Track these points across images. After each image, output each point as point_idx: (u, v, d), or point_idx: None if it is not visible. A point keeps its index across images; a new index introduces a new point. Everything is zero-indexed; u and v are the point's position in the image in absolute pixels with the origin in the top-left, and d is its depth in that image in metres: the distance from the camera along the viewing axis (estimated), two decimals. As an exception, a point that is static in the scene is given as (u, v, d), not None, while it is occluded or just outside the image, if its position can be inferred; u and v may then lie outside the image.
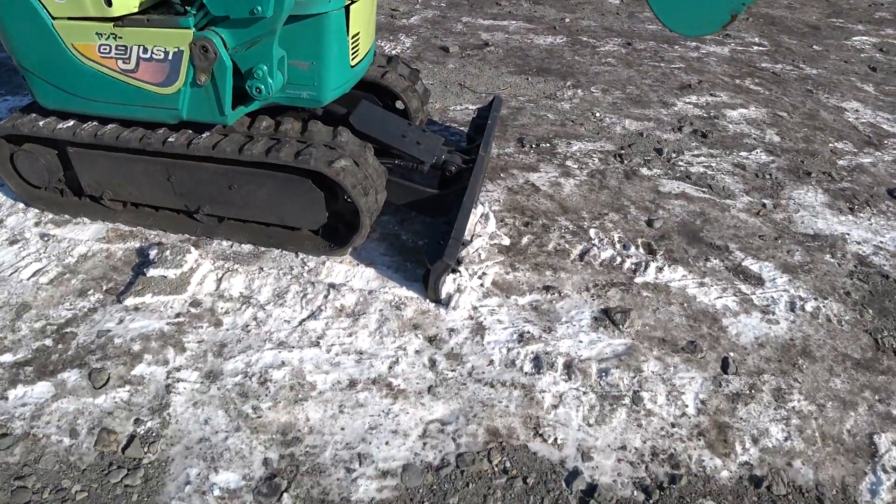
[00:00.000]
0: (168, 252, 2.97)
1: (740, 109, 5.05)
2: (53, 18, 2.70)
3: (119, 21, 2.66)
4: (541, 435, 2.36)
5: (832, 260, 3.44)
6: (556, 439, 2.35)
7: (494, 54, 6.03)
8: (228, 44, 2.63)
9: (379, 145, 3.14)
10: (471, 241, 3.10)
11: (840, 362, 2.80)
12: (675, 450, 2.34)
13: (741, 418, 2.48)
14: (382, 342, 2.68)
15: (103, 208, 3.26)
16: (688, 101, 5.13)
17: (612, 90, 5.23)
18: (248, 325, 2.73)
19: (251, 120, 2.98)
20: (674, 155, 4.25)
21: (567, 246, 3.32)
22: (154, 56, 2.68)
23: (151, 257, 3.00)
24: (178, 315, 2.77)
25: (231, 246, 3.17)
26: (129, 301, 2.81)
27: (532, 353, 2.68)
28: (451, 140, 4.17)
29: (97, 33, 2.69)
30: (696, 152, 4.34)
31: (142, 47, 2.68)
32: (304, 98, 2.89)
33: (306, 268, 3.06)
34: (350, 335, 2.70)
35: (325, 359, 2.59)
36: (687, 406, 2.50)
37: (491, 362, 2.64)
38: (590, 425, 2.40)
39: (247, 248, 3.17)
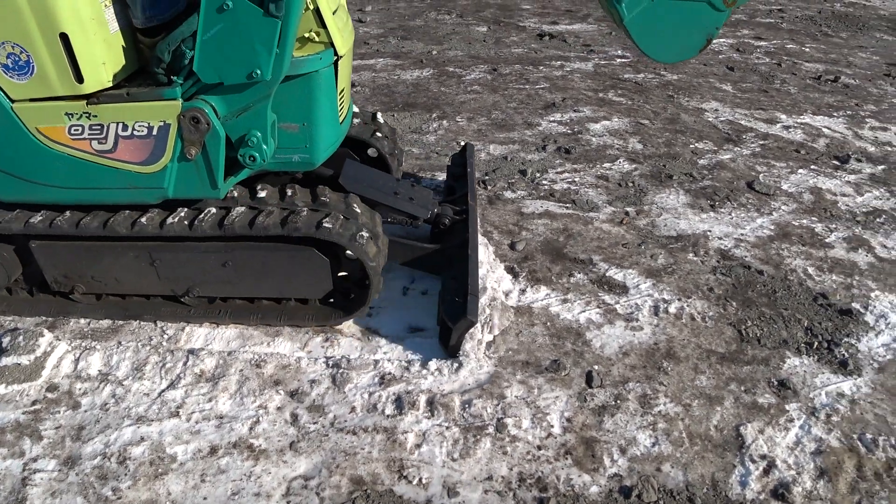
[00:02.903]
0: (21, 338, 2.85)
1: (603, 122, 5.28)
2: (13, 101, 2.47)
3: (93, 98, 2.46)
4: (405, 477, 2.36)
5: (695, 258, 3.60)
6: (420, 479, 2.35)
7: (361, 94, 6.12)
8: (220, 112, 2.51)
9: (372, 204, 3.10)
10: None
11: (705, 359, 2.92)
12: (542, 472, 2.38)
13: (608, 430, 2.55)
14: (243, 403, 2.67)
15: (69, 303, 3.07)
16: (552, 119, 5.33)
17: (478, 117, 5.38)
18: (106, 404, 2.67)
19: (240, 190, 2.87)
20: (538, 175, 4.40)
21: (431, 280, 3.36)
22: (136, 133, 2.51)
23: (4, 345, 2.87)
24: (34, 402, 2.67)
25: (89, 323, 3.09)
26: (-20, 396, 2.68)
27: (394, 394, 2.70)
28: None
29: (67, 113, 2.48)
30: (559, 169, 4.50)
31: (121, 124, 2.50)
32: (295, 161, 2.79)
33: (165, 336, 3.01)
34: (210, 400, 2.67)
35: (185, 428, 2.55)
36: (552, 426, 2.55)
37: (353, 409, 2.64)
38: (454, 460, 2.42)
39: (105, 323, 3.08)
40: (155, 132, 2.50)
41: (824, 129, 5.56)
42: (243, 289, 2.96)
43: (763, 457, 2.49)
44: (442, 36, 7.73)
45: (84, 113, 2.49)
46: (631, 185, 4.32)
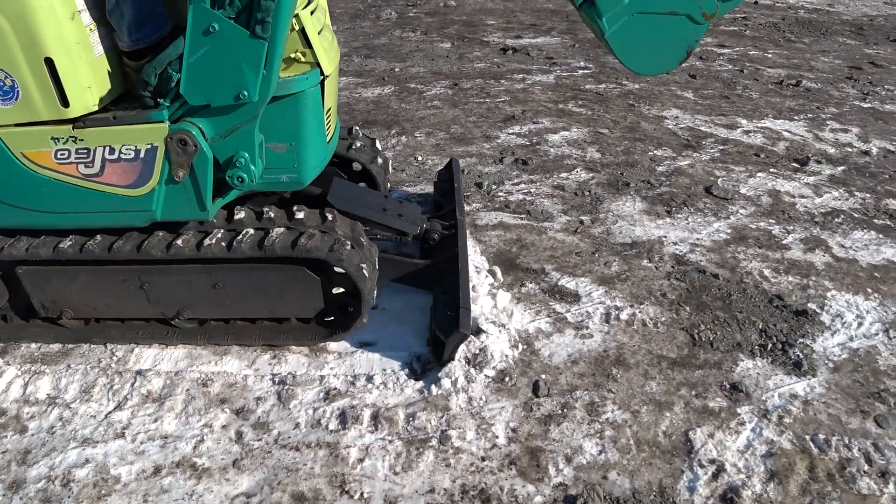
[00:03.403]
0: None
1: (562, 132, 5.29)
2: None
3: (79, 122, 2.44)
4: (347, 492, 2.33)
5: (649, 265, 3.59)
6: (362, 494, 2.32)
7: (321, 114, 6.10)
8: (208, 134, 2.50)
9: (362, 221, 3.10)
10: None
11: (655, 364, 2.90)
12: (485, 483, 2.34)
13: (554, 439, 2.52)
14: (188, 422, 2.65)
15: (57, 329, 3.04)
16: (511, 132, 5.34)
17: (437, 132, 5.38)
18: (53, 427, 2.64)
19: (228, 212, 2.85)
20: (494, 187, 4.39)
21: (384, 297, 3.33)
22: (123, 156, 2.49)
23: (-46, 373, 2.84)
24: None
25: (39, 347, 3.06)
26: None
27: (338, 409, 2.67)
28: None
29: (53, 138, 2.46)
30: (516, 181, 4.50)
31: (108, 148, 2.47)
32: (283, 182, 2.78)
33: (115, 358, 2.98)
34: (156, 420, 2.66)
35: (130, 449, 2.54)
36: (497, 437, 2.52)
37: (297, 425, 2.62)
38: (396, 473, 2.40)
39: (55, 346, 3.05)
40: (142, 155, 2.49)
41: (784, 133, 5.60)
42: (235, 310, 2.94)
43: (712, 461, 2.47)
44: (405, 53, 7.75)
45: (70, 137, 2.47)
46: (587, 193, 4.32)
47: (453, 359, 2.80)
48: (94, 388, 2.81)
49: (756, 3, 10.91)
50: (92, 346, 3.05)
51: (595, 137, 5.21)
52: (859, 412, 2.75)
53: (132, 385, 2.81)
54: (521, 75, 6.80)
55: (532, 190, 4.36)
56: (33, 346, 3.07)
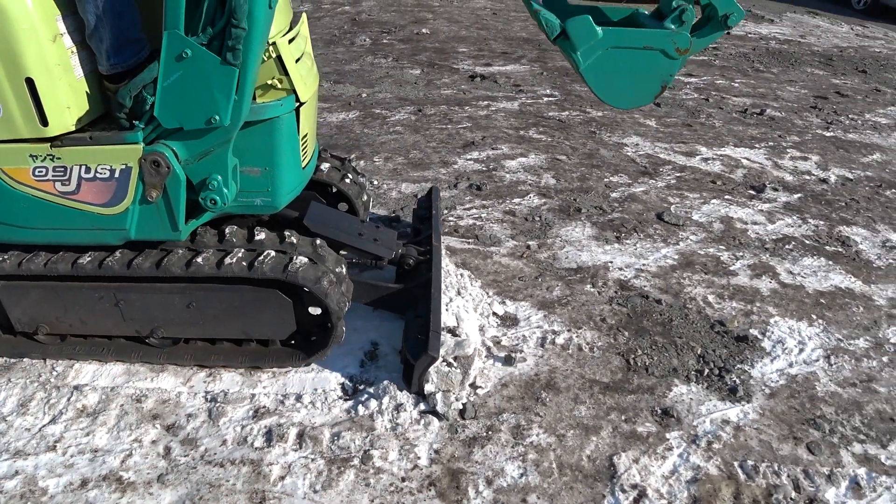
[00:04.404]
0: None
1: (520, 159, 5.34)
2: None
3: (57, 141, 2.52)
4: (264, 512, 2.33)
5: (592, 290, 3.61)
6: (278, 514, 2.31)
7: (284, 139, 6.13)
8: (181, 156, 2.58)
9: (337, 245, 3.15)
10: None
11: (587, 389, 2.90)
12: (402, 506, 2.33)
13: (476, 462, 2.52)
14: (119, 437, 2.68)
15: (40, 345, 3.08)
16: (469, 157, 5.38)
17: (395, 157, 5.41)
18: None
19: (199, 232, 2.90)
20: (445, 212, 4.41)
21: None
22: (98, 175, 2.58)
23: None
24: None
25: None
26: None
27: (265, 427, 2.69)
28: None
29: (31, 155, 2.55)
30: (468, 206, 4.53)
31: (84, 167, 2.57)
32: (257, 205, 2.86)
33: (55, 373, 3.00)
34: (87, 434, 2.68)
35: (60, 462, 2.56)
36: (419, 458, 2.53)
37: (224, 442, 2.64)
38: (315, 492, 2.41)
39: None
40: (117, 175, 2.58)
41: (743, 161, 5.68)
42: (208, 329, 2.98)
43: (634, 486, 2.47)
44: (375, 79, 7.82)
45: (48, 155, 2.56)
46: (538, 219, 4.35)
47: (422, 384, 2.79)
48: (32, 401, 2.84)
49: (728, 34, 11.09)
50: (34, 361, 3.07)
51: (552, 164, 5.26)
52: (792, 438, 2.77)
53: (68, 399, 2.85)
54: (485, 102, 6.87)
55: (483, 215, 4.39)
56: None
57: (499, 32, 10.29)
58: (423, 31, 10.09)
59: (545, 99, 7.04)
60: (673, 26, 2.40)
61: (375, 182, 4.92)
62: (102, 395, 2.87)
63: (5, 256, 2.83)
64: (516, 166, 5.20)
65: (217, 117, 2.45)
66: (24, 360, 3.07)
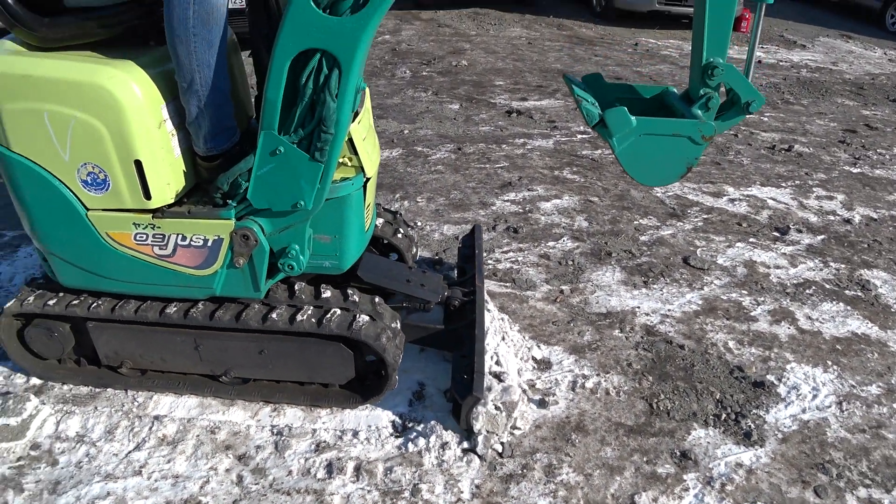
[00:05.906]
0: (11, 401, 3.22)
1: (554, 200, 5.68)
2: (87, 209, 2.90)
3: (157, 212, 2.91)
4: (328, 536, 2.69)
5: (620, 334, 3.93)
6: (341, 538, 2.67)
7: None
8: (266, 230, 2.95)
9: (388, 292, 3.53)
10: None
11: (612, 431, 3.22)
12: (448, 536, 2.68)
13: (513, 497, 2.85)
14: (197, 465, 3.01)
15: (122, 377, 3.45)
16: (506, 198, 5.73)
17: (437, 197, 5.78)
18: (80, 462, 3.00)
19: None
20: (485, 255, 4.76)
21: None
22: (193, 243, 2.96)
23: (-4, 407, 3.25)
24: (19, 459, 3.01)
25: (70, 389, 3.43)
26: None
27: (326, 460, 3.03)
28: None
29: (134, 223, 2.93)
30: (505, 249, 4.87)
31: (180, 235, 2.94)
32: (325, 266, 3.23)
33: (136, 403, 3.35)
34: (169, 461, 3.02)
35: (146, 485, 2.89)
36: (462, 492, 2.87)
37: (290, 472, 2.98)
38: (373, 522, 2.75)
39: (85, 389, 3.42)
40: (210, 244, 2.96)
41: (769, 201, 5.94)
42: (276, 372, 3.34)
43: (654, 524, 2.78)
44: (416, 114, 8.21)
45: (149, 224, 2.94)
46: (570, 263, 4.68)
47: (470, 420, 3.08)
48: (118, 429, 3.19)
49: (759, 62, 11.31)
50: (117, 392, 3.42)
51: (585, 206, 5.58)
52: (800, 482, 3.05)
53: (150, 429, 3.19)
54: (521, 140, 7.21)
55: (520, 258, 4.73)
56: (65, 388, 3.44)
57: (534, 64, 10.63)
58: (462, 62, 10.47)
59: (578, 137, 7.36)
60: (700, 112, 2.72)
61: (419, 223, 5.29)
62: (180, 425, 3.21)
63: (99, 302, 3.22)
64: (551, 208, 5.54)
65: (302, 202, 2.82)
66: (108, 389, 3.43)
